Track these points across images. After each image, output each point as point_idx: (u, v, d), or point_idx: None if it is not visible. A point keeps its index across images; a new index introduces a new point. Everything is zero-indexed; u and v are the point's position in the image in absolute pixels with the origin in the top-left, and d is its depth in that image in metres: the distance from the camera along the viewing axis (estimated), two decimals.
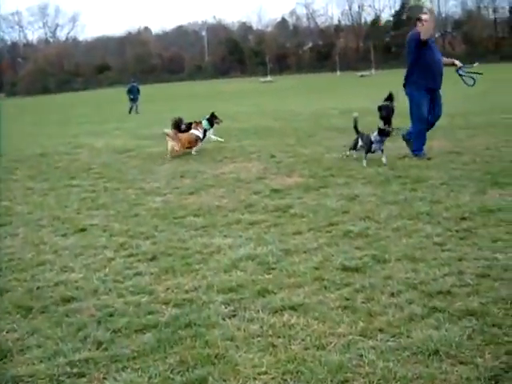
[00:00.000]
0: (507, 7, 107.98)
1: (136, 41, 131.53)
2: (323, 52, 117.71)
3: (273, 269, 5.59)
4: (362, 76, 78.22)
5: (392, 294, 4.80)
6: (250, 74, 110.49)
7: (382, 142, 10.59)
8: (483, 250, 5.75)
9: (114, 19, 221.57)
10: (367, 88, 45.35)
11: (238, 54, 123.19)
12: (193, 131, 14.05)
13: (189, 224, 7.46)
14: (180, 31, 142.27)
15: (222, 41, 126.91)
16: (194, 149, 13.84)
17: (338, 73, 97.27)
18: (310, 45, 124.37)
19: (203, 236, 6.88)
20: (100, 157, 14.45)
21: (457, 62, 11.63)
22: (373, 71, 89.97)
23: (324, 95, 39.08)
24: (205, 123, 14.70)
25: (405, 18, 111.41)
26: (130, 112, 35.98)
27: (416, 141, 11.07)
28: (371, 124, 16.21)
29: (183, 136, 13.82)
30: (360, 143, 10.94)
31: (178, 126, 14.41)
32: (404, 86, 11.38)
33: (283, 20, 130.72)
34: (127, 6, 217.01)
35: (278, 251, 6.07)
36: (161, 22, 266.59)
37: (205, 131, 14.50)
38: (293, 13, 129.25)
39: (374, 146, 10.58)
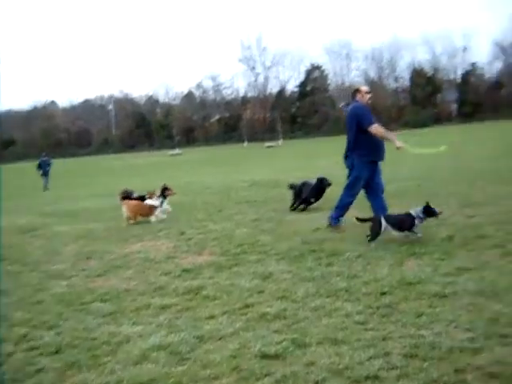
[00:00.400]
0: (407, 77, 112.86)
1: (42, 115, 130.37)
2: (230, 124, 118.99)
3: (187, 359, 5.24)
4: (268, 147, 78.89)
5: (316, 383, 4.52)
6: (158, 147, 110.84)
7: (423, 221, 9.69)
8: (407, 326, 5.56)
9: (20, 93, 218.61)
10: (274, 159, 45.87)
11: (145, 127, 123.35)
12: (147, 201, 14.41)
13: (96, 310, 7.04)
14: (87, 105, 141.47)
15: (128, 114, 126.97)
16: (153, 217, 14.15)
17: (246, 144, 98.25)
18: (217, 117, 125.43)
19: (111, 324, 6.48)
20: (2, 237, 13.82)
21: None
22: (280, 142, 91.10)
23: (232, 167, 39.17)
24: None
25: (309, 88, 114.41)
26: (44, 189, 34.51)
27: (339, 210, 10.92)
28: (280, 196, 16.21)
29: (132, 203, 14.41)
30: (384, 225, 9.55)
31: (128, 197, 14.90)
32: (345, 157, 11.19)
33: (190, 93, 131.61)
34: (33, 79, 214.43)
35: (192, 338, 5.72)
36: (68, 95, 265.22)
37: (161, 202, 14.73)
38: (199, 86, 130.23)
39: (416, 222, 9.54)
